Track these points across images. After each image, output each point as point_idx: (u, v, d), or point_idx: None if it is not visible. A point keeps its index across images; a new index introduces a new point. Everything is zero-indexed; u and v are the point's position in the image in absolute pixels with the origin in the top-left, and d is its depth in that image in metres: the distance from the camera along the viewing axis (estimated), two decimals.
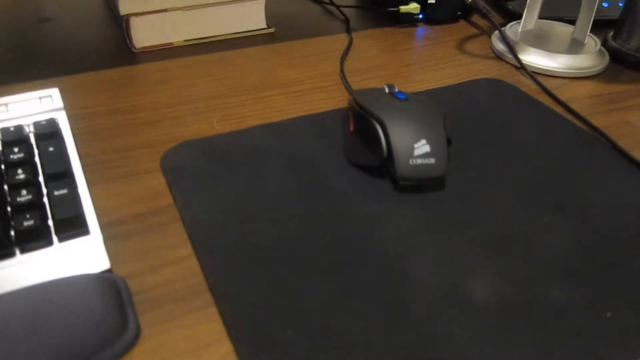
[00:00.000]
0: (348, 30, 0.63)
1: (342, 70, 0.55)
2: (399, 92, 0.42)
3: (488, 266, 0.34)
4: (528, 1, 0.61)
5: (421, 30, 0.65)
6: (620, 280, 0.33)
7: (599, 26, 0.63)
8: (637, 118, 0.50)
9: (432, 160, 0.38)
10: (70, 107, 0.47)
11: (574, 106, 0.51)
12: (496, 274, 0.33)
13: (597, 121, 0.49)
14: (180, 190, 0.39)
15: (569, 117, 0.50)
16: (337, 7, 0.69)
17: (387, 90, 0.43)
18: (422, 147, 0.38)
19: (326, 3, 0.70)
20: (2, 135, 0.38)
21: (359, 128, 0.41)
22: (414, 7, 0.64)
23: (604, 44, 0.61)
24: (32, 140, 0.39)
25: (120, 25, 0.59)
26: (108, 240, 0.35)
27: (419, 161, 0.38)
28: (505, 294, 0.32)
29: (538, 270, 0.34)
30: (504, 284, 0.33)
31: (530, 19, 0.62)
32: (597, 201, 0.40)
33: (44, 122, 0.40)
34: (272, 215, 0.37)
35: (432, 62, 0.58)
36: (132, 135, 0.45)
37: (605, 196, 0.40)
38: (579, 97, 0.53)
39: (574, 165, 0.43)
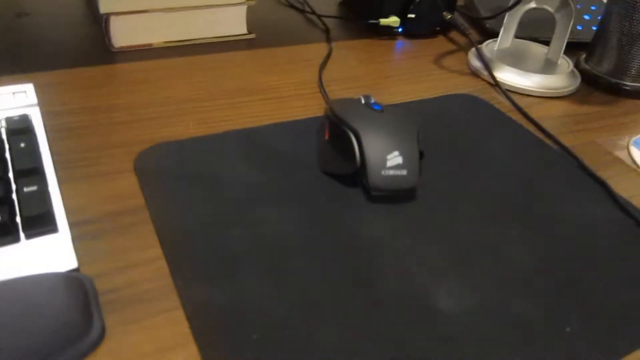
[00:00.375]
0: (328, 40, 0.64)
1: (320, 79, 0.55)
2: (375, 103, 0.43)
3: (452, 276, 0.35)
4: (505, 20, 0.62)
5: (400, 43, 0.66)
6: (581, 295, 0.34)
7: (572, 48, 0.65)
8: (604, 139, 0.52)
9: (404, 172, 0.39)
10: (45, 104, 0.46)
11: (545, 125, 0.52)
12: (460, 285, 0.34)
13: (566, 140, 0.50)
14: (152, 191, 0.39)
15: (540, 135, 0.51)
16: (318, 16, 0.70)
17: (363, 101, 0.43)
18: (394, 158, 0.39)
19: (308, 12, 0.71)
20: None
21: (333, 137, 0.42)
22: (393, 20, 0.65)
23: (577, 65, 0.63)
24: (4, 136, 0.39)
25: (99, 23, 0.58)
26: (77, 239, 0.34)
27: (391, 172, 0.39)
28: (467, 305, 0.33)
29: (502, 283, 0.34)
30: (466, 294, 0.33)
31: (506, 38, 0.63)
32: (562, 217, 0.41)
33: (16, 118, 0.39)
34: (243, 220, 0.37)
35: (409, 75, 0.59)
36: (107, 135, 0.44)
37: (570, 212, 0.41)
38: (550, 116, 0.55)
39: (541, 181, 0.44)
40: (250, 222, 0.37)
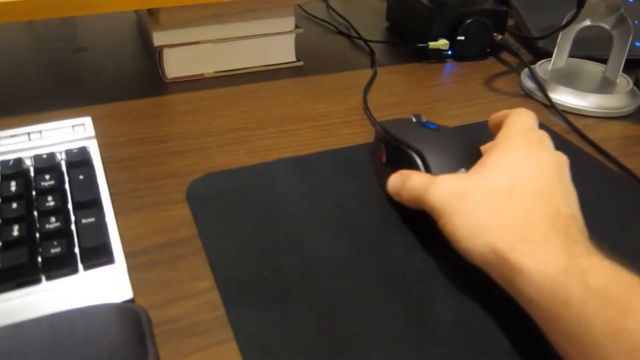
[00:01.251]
0: (373, 64, 0.64)
1: (365, 103, 0.55)
2: (428, 122, 0.42)
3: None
4: (559, 39, 0.60)
5: (449, 66, 0.65)
6: None
7: (631, 66, 0.62)
8: None
9: None
10: (101, 136, 0.47)
11: (605, 146, 0.50)
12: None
13: (629, 162, 0.48)
14: (204, 221, 0.39)
15: (600, 157, 0.49)
16: (365, 41, 0.70)
17: (415, 120, 0.43)
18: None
19: (355, 37, 0.71)
20: (34, 162, 0.39)
21: (392, 159, 0.41)
22: (442, 43, 0.64)
23: (637, 83, 0.61)
24: (64, 168, 0.40)
25: (153, 55, 0.60)
26: (132, 269, 0.35)
27: None
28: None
29: None
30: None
31: (560, 58, 0.61)
32: (627, 243, 0.38)
33: (75, 150, 0.40)
34: (295, 251, 0.37)
35: (459, 98, 0.58)
36: (160, 165, 0.45)
37: (636, 238, 0.39)
38: (610, 137, 0.52)
39: (603, 206, 0.42)
40: (302, 251, 0.37)
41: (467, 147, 0.40)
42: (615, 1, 0.56)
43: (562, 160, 0.35)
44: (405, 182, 0.37)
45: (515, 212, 0.32)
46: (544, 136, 0.37)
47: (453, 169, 0.38)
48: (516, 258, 0.29)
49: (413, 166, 0.39)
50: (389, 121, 0.44)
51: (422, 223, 0.37)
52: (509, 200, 0.32)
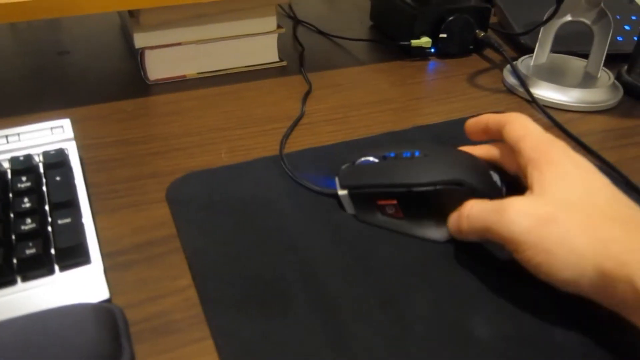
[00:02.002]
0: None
1: (281, 148, 0.55)
2: (394, 153, 0.39)
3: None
4: (540, 35, 0.61)
5: (433, 63, 0.65)
6: None
7: (613, 60, 0.63)
8: None
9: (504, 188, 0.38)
10: (82, 137, 0.47)
11: (586, 140, 0.50)
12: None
13: (610, 156, 0.48)
14: (183, 221, 0.39)
15: (581, 151, 0.49)
16: (349, 40, 0.70)
17: (376, 160, 0.39)
18: (497, 178, 0.38)
19: (338, 37, 0.71)
20: (11, 164, 0.39)
21: (415, 208, 0.37)
22: (425, 41, 0.64)
23: (618, 77, 0.61)
24: (41, 170, 0.40)
25: (135, 57, 0.60)
26: (109, 269, 0.35)
27: (504, 191, 0.38)
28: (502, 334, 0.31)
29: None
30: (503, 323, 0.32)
31: (542, 53, 0.61)
32: None
33: (52, 152, 0.40)
34: (274, 249, 0.37)
35: (442, 95, 0.58)
36: (140, 166, 0.45)
37: None
38: (591, 131, 0.53)
39: None
40: (280, 250, 0.37)
41: (465, 154, 0.39)
42: None
43: None
44: (466, 212, 0.34)
45: (609, 226, 0.29)
46: (565, 145, 0.36)
47: (489, 179, 0.37)
48: (627, 276, 0.27)
49: (453, 200, 0.36)
50: (352, 171, 0.40)
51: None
52: (596, 213, 0.30)
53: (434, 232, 0.37)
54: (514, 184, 0.38)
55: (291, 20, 0.76)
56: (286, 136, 0.49)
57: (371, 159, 0.39)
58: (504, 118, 0.38)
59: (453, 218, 0.36)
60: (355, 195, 0.39)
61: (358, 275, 0.35)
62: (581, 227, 0.29)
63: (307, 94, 0.57)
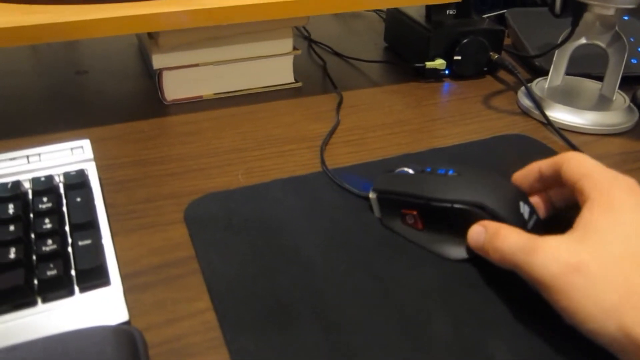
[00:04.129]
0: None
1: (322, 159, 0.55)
2: (429, 168, 0.40)
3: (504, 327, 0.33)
4: (555, 58, 0.61)
5: (447, 85, 0.66)
6: None
7: (628, 82, 0.63)
8: None
9: (535, 216, 0.37)
10: (100, 157, 0.48)
11: (603, 163, 0.50)
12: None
13: None
14: (201, 242, 0.39)
15: None
16: (364, 62, 0.70)
17: (412, 172, 0.41)
18: (525, 210, 0.36)
19: (353, 58, 0.71)
20: (33, 185, 0.39)
21: (435, 223, 0.38)
22: (439, 62, 0.64)
23: (633, 100, 0.61)
24: (61, 190, 0.40)
25: (152, 77, 0.61)
26: (128, 291, 0.35)
27: (531, 223, 0.36)
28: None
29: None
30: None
31: (556, 75, 0.62)
32: None
33: (73, 173, 0.41)
34: (293, 271, 0.37)
35: (457, 117, 0.58)
36: (158, 187, 0.45)
37: None
38: (607, 154, 0.53)
39: None
40: (298, 272, 0.37)
41: (499, 179, 0.38)
42: (610, 19, 0.56)
43: None
44: (496, 241, 0.33)
45: None
46: (635, 182, 0.34)
47: (516, 208, 0.36)
48: None
49: (472, 223, 0.36)
50: (386, 180, 0.41)
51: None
52: (637, 271, 0.29)
53: (451, 250, 0.37)
54: (552, 220, 0.38)
55: (306, 41, 0.77)
56: (325, 143, 0.52)
57: (409, 170, 0.41)
58: (559, 159, 0.36)
59: (477, 234, 0.35)
60: (383, 200, 0.40)
61: (376, 297, 0.35)
62: (616, 284, 0.28)
63: (340, 104, 0.59)
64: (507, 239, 0.33)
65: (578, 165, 0.35)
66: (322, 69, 0.69)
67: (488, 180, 0.37)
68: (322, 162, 0.48)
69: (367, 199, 0.42)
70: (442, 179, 0.38)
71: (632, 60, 0.68)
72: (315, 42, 0.76)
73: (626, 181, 0.33)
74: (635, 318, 0.27)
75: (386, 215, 0.41)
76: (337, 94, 0.62)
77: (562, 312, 0.30)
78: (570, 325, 0.30)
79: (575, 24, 0.57)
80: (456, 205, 0.36)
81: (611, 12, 0.55)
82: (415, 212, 0.38)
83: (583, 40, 0.59)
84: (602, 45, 0.58)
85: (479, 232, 0.35)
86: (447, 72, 0.66)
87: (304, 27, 0.80)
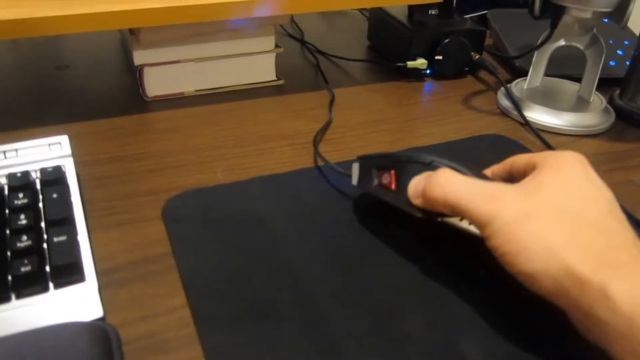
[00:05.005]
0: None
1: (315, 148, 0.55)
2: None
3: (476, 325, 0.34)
4: (534, 59, 0.61)
5: (428, 84, 0.66)
6: None
7: (605, 84, 0.64)
8: None
9: None
10: (79, 153, 0.48)
11: None
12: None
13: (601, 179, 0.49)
14: (178, 239, 0.39)
15: None
16: (347, 60, 0.71)
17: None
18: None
19: (336, 57, 0.72)
20: (9, 181, 0.39)
21: (405, 182, 0.38)
22: (421, 62, 0.65)
23: (610, 102, 0.62)
24: (38, 186, 0.40)
25: (134, 73, 0.61)
26: (104, 287, 0.35)
27: None
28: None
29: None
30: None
31: (536, 76, 0.62)
32: None
33: (50, 169, 0.41)
34: (269, 269, 0.37)
35: (437, 116, 0.59)
36: (137, 183, 0.45)
37: None
38: (583, 155, 0.53)
39: None
40: (274, 269, 0.37)
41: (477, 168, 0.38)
42: (588, 21, 0.57)
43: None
44: (437, 184, 0.34)
45: (592, 235, 0.30)
46: (584, 157, 0.36)
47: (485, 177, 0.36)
48: (601, 282, 0.27)
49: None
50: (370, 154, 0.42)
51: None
52: (583, 223, 0.30)
53: (416, 210, 0.38)
54: None
55: (290, 38, 0.77)
56: (317, 140, 0.53)
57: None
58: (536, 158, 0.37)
59: (418, 180, 0.36)
60: (363, 165, 0.42)
61: (352, 295, 0.35)
62: (562, 230, 0.30)
63: (332, 101, 0.60)
64: (456, 178, 0.34)
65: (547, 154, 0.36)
66: (305, 66, 0.69)
67: (463, 164, 0.38)
68: (318, 155, 0.49)
69: (349, 176, 0.43)
70: (423, 152, 0.39)
71: (611, 63, 0.69)
72: (300, 40, 0.76)
73: (576, 155, 0.35)
74: (579, 258, 0.28)
75: (362, 180, 0.42)
76: (329, 90, 0.62)
77: (504, 256, 0.31)
78: (512, 272, 0.31)
79: (553, 26, 0.58)
80: (432, 163, 0.37)
81: (589, 15, 0.55)
82: (392, 172, 0.39)
83: (562, 42, 0.60)
84: (581, 47, 0.59)
85: (419, 180, 0.36)
86: (428, 71, 0.67)
87: (295, 25, 0.80)
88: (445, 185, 0.34)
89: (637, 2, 0.55)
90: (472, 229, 0.35)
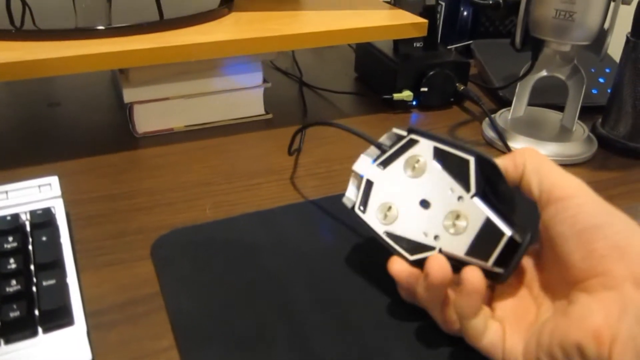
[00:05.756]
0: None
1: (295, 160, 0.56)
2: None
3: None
4: (517, 90, 0.63)
5: (415, 115, 0.67)
6: None
7: (589, 112, 0.65)
8: (624, 205, 0.51)
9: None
10: (70, 192, 0.48)
11: None
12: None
13: None
14: (167, 278, 0.40)
15: None
16: (334, 93, 0.72)
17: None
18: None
19: (324, 90, 0.73)
20: None
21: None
22: (407, 94, 0.66)
23: (593, 130, 0.63)
24: (28, 229, 0.40)
25: (124, 110, 0.62)
26: (93, 329, 0.35)
27: None
28: None
29: None
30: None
31: (519, 107, 0.64)
32: None
33: (40, 212, 0.41)
34: (258, 307, 0.37)
35: None
36: (126, 222, 0.46)
37: None
38: None
39: None
40: (263, 309, 0.37)
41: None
42: (568, 53, 0.58)
43: None
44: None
45: None
46: None
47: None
48: None
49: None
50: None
51: None
52: None
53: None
54: None
55: (278, 72, 0.79)
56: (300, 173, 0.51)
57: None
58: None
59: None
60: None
61: (339, 331, 0.36)
62: None
63: (302, 133, 0.60)
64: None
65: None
66: (293, 99, 0.70)
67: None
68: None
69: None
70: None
71: (593, 91, 0.71)
72: (287, 73, 0.78)
73: None
74: None
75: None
76: (302, 132, 0.62)
77: None
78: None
79: (535, 59, 0.59)
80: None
81: (568, 48, 0.57)
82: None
83: (544, 73, 0.61)
84: (562, 77, 0.61)
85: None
86: (414, 103, 0.68)
87: (283, 58, 0.82)
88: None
89: (616, 31, 0.56)
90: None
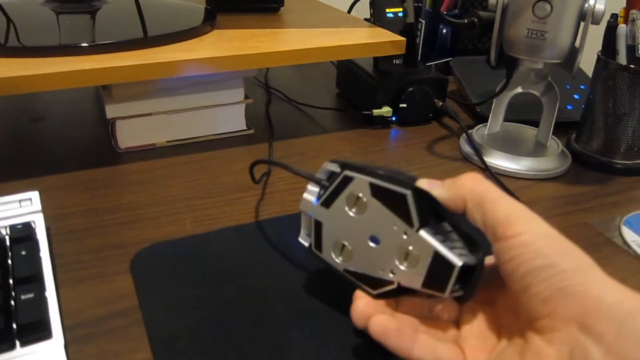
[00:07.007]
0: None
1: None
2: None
3: None
4: (493, 106, 0.64)
5: (394, 131, 0.69)
6: None
7: (564, 127, 0.67)
8: (596, 219, 0.52)
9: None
10: (51, 207, 0.49)
11: (535, 208, 0.52)
12: None
13: (557, 223, 0.50)
14: (145, 293, 0.40)
15: None
16: (315, 108, 0.73)
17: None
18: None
19: (305, 105, 0.74)
20: None
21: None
22: (386, 110, 0.68)
23: (567, 145, 0.65)
24: (7, 243, 0.41)
25: (107, 125, 0.62)
26: (71, 342, 0.36)
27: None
28: None
29: None
30: None
31: (495, 123, 0.65)
32: None
33: (19, 226, 0.42)
34: (236, 320, 0.38)
35: (402, 163, 0.61)
36: (107, 236, 0.46)
37: None
38: (540, 198, 0.56)
39: None
40: (241, 323, 0.38)
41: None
42: (542, 70, 0.60)
43: None
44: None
45: None
46: None
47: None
48: None
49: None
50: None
51: None
52: None
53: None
54: None
55: (261, 87, 0.80)
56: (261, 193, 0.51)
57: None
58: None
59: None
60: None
61: (317, 345, 0.36)
62: None
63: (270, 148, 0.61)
64: None
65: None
66: (274, 115, 0.71)
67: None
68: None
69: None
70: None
71: (568, 107, 0.73)
72: (270, 89, 0.79)
73: None
74: None
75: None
76: (269, 143, 0.63)
77: None
78: None
79: (509, 76, 0.61)
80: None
81: (540, 65, 0.59)
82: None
83: (519, 90, 0.63)
84: (537, 94, 0.62)
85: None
86: (394, 119, 0.69)
87: (265, 74, 0.83)
88: None
89: (589, 49, 0.58)
90: None
